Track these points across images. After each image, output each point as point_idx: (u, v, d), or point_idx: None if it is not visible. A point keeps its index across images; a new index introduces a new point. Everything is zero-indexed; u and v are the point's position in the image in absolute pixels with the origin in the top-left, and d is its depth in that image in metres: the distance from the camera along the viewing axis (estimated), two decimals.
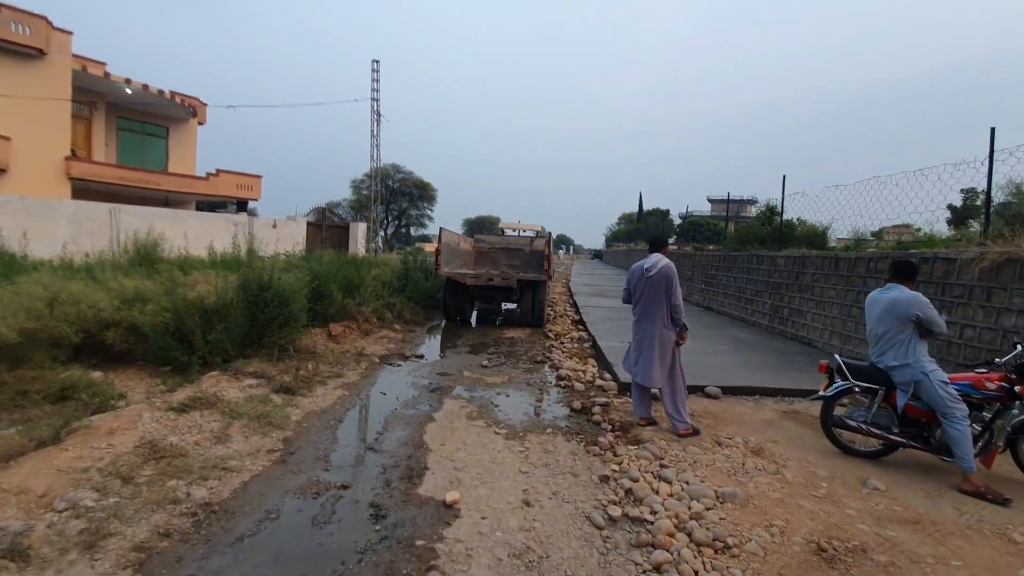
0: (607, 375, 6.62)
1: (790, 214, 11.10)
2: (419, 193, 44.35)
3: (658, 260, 4.75)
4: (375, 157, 28.23)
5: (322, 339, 7.73)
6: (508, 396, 5.85)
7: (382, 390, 5.92)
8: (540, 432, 4.70)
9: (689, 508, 3.29)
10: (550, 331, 10.19)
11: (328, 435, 4.37)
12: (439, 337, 9.82)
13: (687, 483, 3.63)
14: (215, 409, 4.45)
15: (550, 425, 4.91)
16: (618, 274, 27.77)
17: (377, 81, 27.07)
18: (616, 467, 3.95)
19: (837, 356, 4.33)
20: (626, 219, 46.63)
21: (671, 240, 32.58)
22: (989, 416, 3.77)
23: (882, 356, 4.03)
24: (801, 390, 5.86)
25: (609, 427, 4.84)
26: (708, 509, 3.28)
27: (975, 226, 9.12)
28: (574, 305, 14.10)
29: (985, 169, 6.08)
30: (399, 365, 7.10)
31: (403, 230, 47.24)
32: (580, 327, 10.70)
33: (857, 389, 4.18)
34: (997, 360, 3.91)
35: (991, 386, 3.75)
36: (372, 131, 27.35)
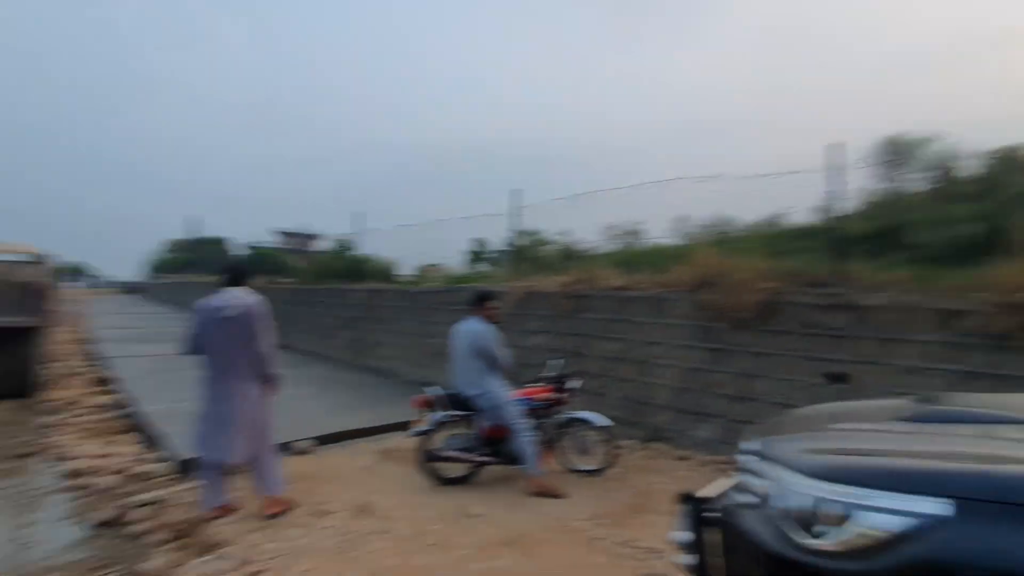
0: (155, 453, 4.80)
1: (366, 250, 11.53)
2: None
3: (238, 297, 3.66)
4: None
5: None
6: None
7: None
8: None
9: None
10: (50, 399, 6.88)
11: None
12: None
13: None
14: None
15: (49, 569, 2.97)
16: (173, 312, 22.68)
17: None
18: None
19: (439, 388, 4.36)
20: (180, 246, 38.65)
21: None
22: (544, 423, 4.51)
23: (465, 384, 4.29)
24: (390, 425, 5.79)
25: (165, 538, 3.32)
26: None
27: (488, 267, 11.47)
28: (93, 357, 10.31)
29: (504, 221, 7.78)
30: None
31: None
32: (105, 388, 7.75)
33: (453, 419, 4.30)
34: (542, 375, 4.77)
35: (542, 397, 4.52)
36: None
